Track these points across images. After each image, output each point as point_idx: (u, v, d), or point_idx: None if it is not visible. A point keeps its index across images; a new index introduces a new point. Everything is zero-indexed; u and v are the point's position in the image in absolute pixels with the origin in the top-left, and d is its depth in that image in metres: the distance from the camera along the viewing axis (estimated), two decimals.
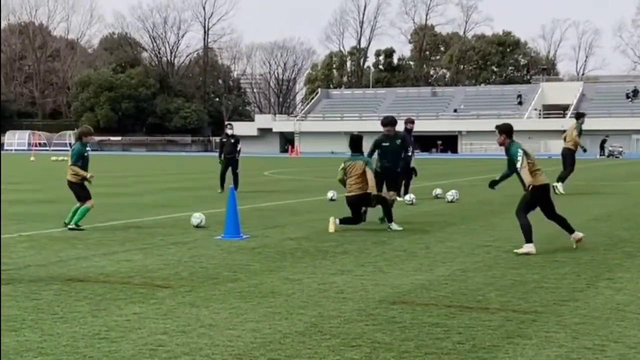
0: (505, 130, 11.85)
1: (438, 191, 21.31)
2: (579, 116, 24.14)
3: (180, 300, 7.78)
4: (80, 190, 14.21)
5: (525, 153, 11.53)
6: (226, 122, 28.69)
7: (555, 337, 6.42)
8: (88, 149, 14.61)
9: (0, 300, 7.62)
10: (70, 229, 13.65)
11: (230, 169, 23.60)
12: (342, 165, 14.13)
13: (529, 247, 11.15)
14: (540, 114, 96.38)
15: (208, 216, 15.76)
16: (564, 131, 25.37)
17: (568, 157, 23.45)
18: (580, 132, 23.64)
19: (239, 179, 23.55)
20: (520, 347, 6.10)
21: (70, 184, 14.30)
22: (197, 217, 14.23)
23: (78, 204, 14.08)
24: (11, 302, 7.63)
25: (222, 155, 23.91)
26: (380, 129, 15.91)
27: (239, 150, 24.14)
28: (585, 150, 25.15)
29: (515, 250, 11.20)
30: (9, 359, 5.71)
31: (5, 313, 7.14)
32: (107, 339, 6.26)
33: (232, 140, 23.96)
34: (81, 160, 14.27)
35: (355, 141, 14.18)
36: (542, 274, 9.32)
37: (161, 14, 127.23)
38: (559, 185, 22.82)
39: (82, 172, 14.17)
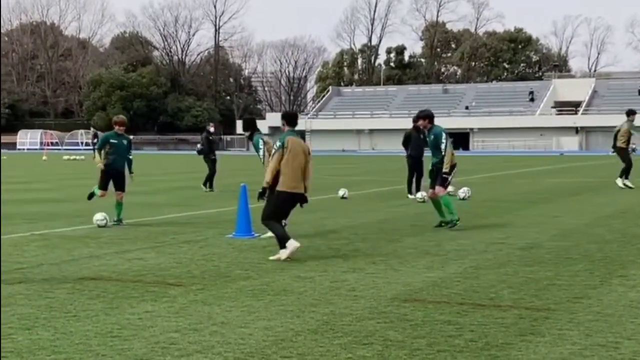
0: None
1: (450, 189, 21.09)
2: (630, 113, 23.47)
3: (192, 298, 7.79)
4: (110, 177, 14.50)
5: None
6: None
7: (569, 334, 6.39)
8: (123, 139, 14.65)
9: (0, 300, 7.66)
10: (116, 224, 14.20)
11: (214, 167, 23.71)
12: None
13: None
14: (552, 111, 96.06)
15: (219, 214, 15.79)
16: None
17: (623, 153, 23.06)
18: (632, 129, 23.23)
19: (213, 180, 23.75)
20: (533, 345, 6.08)
21: (100, 170, 14.56)
22: (100, 219, 13.86)
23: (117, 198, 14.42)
24: (24, 300, 7.65)
25: (205, 155, 23.96)
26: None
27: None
28: (634, 150, 24.90)
29: None
30: (22, 357, 5.73)
31: (19, 312, 7.16)
32: (120, 337, 6.27)
33: (211, 138, 24.35)
34: (107, 146, 14.47)
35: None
36: (555, 271, 9.28)
37: (172, 13, 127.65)
38: (620, 180, 22.85)
39: (97, 158, 14.49)
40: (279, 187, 10.56)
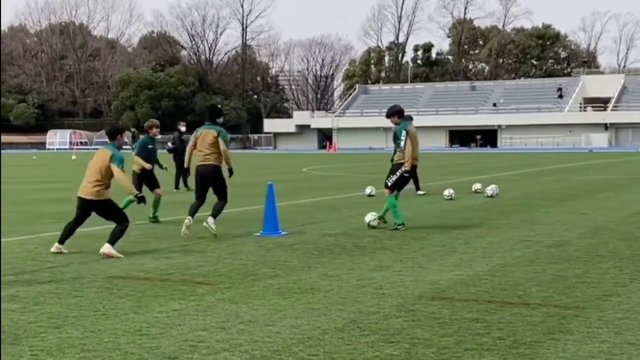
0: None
1: (477, 186, 21.18)
2: None
3: (219, 296, 7.82)
4: (143, 180, 14.74)
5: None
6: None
7: (598, 332, 6.34)
8: (155, 143, 15.17)
9: (0, 299, 7.75)
10: (152, 221, 14.53)
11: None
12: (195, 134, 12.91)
13: None
14: (581, 107, 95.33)
15: (247, 212, 15.84)
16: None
17: None
18: None
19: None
20: (562, 343, 6.04)
21: (134, 175, 14.65)
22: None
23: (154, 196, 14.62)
24: (54, 299, 7.72)
25: (176, 154, 22.79)
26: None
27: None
28: None
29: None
30: (52, 355, 5.78)
31: (48, 310, 7.24)
32: (148, 335, 6.31)
33: (183, 137, 23.25)
34: (145, 151, 14.85)
35: (214, 110, 13.02)
36: (584, 269, 9.21)
37: (200, 12, 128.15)
38: None
39: (142, 162, 14.75)
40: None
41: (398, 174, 13.15)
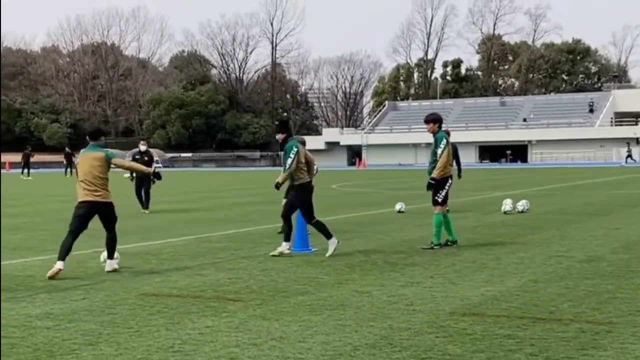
0: (439, 121, 13.07)
1: (507, 207, 20.23)
2: None
3: (251, 313, 7.86)
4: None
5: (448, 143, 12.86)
6: (141, 139, 26.54)
7: (631, 348, 6.29)
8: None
9: (1, 302, 7.82)
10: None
11: (142, 188, 21.96)
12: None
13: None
14: (612, 122, 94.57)
15: (277, 229, 15.88)
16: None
17: None
18: None
19: (150, 198, 22.14)
20: (595, 359, 6.00)
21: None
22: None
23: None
24: (88, 316, 7.81)
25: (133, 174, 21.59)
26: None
27: (154, 168, 22.69)
28: None
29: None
30: None
31: (82, 327, 7.31)
32: (181, 352, 6.36)
33: (146, 158, 21.98)
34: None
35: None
36: (617, 284, 9.14)
37: (230, 32, 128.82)
38: None
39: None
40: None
41: (447, 187, 12.92)
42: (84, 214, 10.85)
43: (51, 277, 10.17)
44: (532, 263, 10.99)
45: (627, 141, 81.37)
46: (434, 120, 13.01)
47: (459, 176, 20.58)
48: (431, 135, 13.00)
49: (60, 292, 9.26)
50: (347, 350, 6.34)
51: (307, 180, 12.38)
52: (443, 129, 13.26)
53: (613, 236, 14.17)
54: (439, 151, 12.73)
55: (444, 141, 12.73)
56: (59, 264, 10.34)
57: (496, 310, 7.83)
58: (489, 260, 11.31)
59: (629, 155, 76.49)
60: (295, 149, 12.18)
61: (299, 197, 12.35)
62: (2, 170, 79.43)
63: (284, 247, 12.22)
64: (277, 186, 12.52)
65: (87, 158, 10.97)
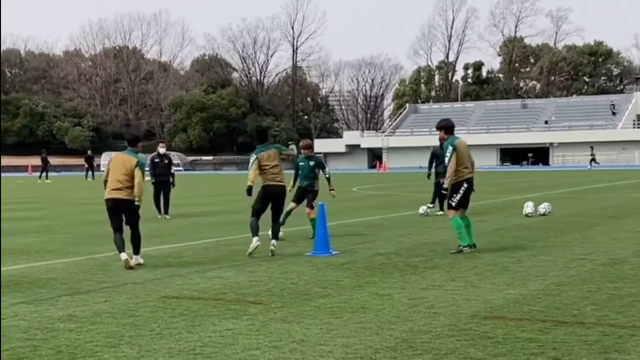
0: (445, 127, 13.16)
1: (529, 210, 20.07)
2: None
3: (272, 316, 7.86)
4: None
5: (456, 149, 12.66)
6: (160, 140, 25.94)
7: None
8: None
9: (0, 303, 7.85)
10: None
11: (162, 192, 21.40)
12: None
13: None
14: (635, 124, 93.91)
15: (297, 232, 15.90)
16: None
17: None
18: None
19: (170, 203, 21.60)
20: None
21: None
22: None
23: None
24: (110, 319, 7.84)
25: (155, 178, 21.46)
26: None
27: (173, 172, 21.89)
28: None
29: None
30: None
31: (104, 330, 7.35)
32: (202, 354, 6.37)
33: (166, 161, 21.66)
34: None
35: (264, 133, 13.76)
36: None
37: (251, 35, 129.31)
38: None
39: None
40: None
41: (462, 191, 12.67)
42: (111, 209, 11.74)
43: (129, 268, 11.21)
44: (554, 266, 10.93)
45: None
46: (440, 127, 13.24)
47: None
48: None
49: (82, 294, 9.31)
50: (368, 354, 6.33)
51: (265, 184, 12.98)
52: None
53: (635, 239, 14.06)
54: (446, 160, 12.71)
55: (450, 148, 12.66)
56: (123, 255, 11.40)
57: (518, 314, 7.79)
58: (511, 263, 11.26)
59: None
60: (253, 156, 12.89)
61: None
62: (24, 174, 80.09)
63: (254, 241, 12.65)
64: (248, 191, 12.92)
65: (121, 159, 11.70)
